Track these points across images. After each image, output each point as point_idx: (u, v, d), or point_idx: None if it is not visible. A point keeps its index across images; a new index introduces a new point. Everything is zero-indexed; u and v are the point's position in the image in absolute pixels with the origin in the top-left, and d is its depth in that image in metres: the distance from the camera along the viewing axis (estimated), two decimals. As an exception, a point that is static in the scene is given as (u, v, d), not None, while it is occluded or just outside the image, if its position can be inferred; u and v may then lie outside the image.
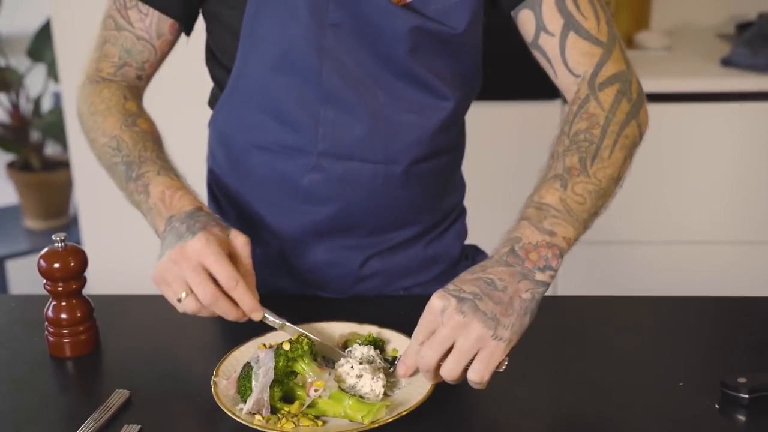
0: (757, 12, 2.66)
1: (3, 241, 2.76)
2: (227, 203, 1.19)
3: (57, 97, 2.87)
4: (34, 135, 2.85)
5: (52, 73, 2.80)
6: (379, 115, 1.07)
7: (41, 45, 2.79)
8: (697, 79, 2.26)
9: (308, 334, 0.95)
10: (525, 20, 1.07)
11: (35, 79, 2.87)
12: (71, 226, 2.89)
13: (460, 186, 1.26)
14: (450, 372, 0.86)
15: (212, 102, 1.19)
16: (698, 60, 2.41)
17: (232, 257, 0.96)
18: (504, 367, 0.87)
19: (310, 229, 1.14)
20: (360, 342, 0.97)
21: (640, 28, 2.63)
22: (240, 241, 0.97)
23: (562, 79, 1.07)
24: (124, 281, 1.85)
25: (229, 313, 0.95)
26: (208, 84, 1.21)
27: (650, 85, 2.20)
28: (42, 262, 1.03)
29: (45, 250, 1.04)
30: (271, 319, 0.97)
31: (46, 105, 2.92)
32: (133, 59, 1.14)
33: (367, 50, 1.05)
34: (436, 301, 0.87)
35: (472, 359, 0.86)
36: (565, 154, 0.97)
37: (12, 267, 2.77)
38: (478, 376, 0.86)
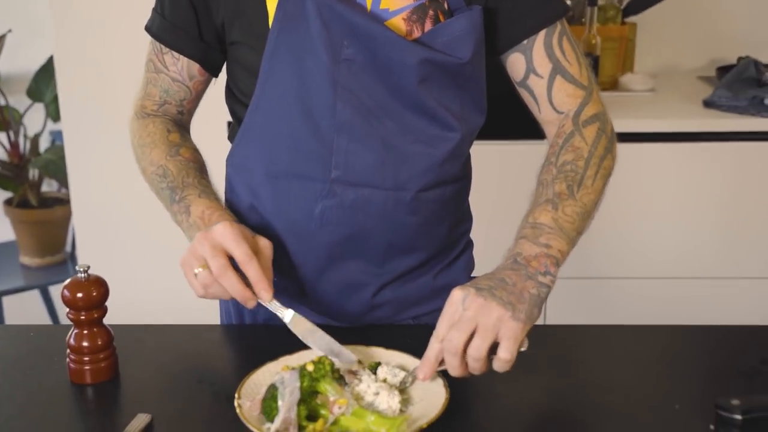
0: (736, 56, 2.75)
1: (-1, 278, 2.79)
2: None
3: (55, 136, 2.91)
4: (32, 173, 2.88)
5: (51, 113, 2.85)
6: (390, 145, 1.14)
7: (40, 85, 2.84)
8: (680, 119, 2.34)
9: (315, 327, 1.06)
10: (515, 62, 1.18)
11: (34, 118, 2.91)
12: (66, 263, 2.91)
13: (467, 217, 1.32)
14: (477, 350, 0.95)
15: (231, 137, 1.25)
16: (681, 102, 2.50)
17: (255, 254, 1.06)
18: (526, 347, 0.97)
19: (324, 254, 1.19)
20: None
21: (625, 70, 2.72)
22: (264, 241, 1.09)
23: (545, 114, 1.19)
24: (120, 314, 1.88)
25: (236, 289, 1.03)
26: (225, 121, 1.27)
27: (636, 125, 2.31)
28: (66, 292, 1.07)
29: (68, 280, 1.08)
30: (278, 306, 1.06)
31: (44, 144, 2.96)
32: (172, 98, 1.26)
33: (379, 83, 1.12)
34: (457, 293, 0.98)
35: (494, 348, 0.95)
36: (554, 182, 1.10)
37: (8, 302, 2.78)
38: (508, 352, 0.94)
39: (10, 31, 2.81)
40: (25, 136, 2.91)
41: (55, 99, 2.72)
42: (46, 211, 2.85)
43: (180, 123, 1.28)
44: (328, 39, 1.09)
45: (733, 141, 2.31)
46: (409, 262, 1.23)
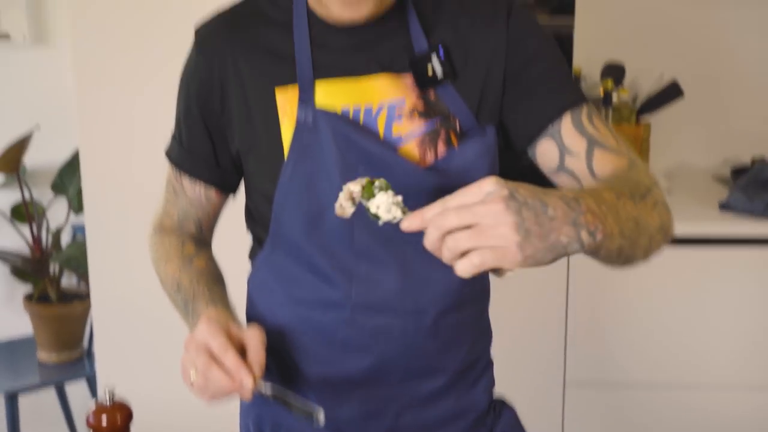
0: (750, 155, 2.79)
1: (15, 375, 2.77)
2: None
3: (77, 230, 2.95)
4: (52, 267, 2.91)
5: (74, 206, 2.89)
6: (409, 270, 1.15)
7: (65, 179, 2.89)
8: (697, 223, 2.35)
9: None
10: (545, 149, 1.14)
11: (56, 212, 2.95)
12: (83, 359, 2.91)
13: (486, 332, 1.32)
14: (456, 241, 0.85)
15: (252, 255, 1.28)
16: (697, 204, 2.51)
17: (245, 348, 1.05)
18: (504, 275, 0.87)
19: (345, 379, 1.20)
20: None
21: (640, 170, 2.74)
22: (251, 332, 1.07)
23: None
24: (139, 415, 1.89)
25: (224, 383, 1.01)
26: (245, 238, 1.30)
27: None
28: (91, 418, 1.09)
29: (93, 406, 1.10)
30: (265, 388, 1.06)
31: (66, 238, 2.99)
32: (190, 218, 1.29)
33: None
34: (490, 183, 0.86)
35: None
36: (612, 186, 0.99)
37: (23, 401, 2.77)
38: (481, 259, 0.84)
39: (38, 127, 2.88)
40: (48, 230, 2.94)
41: (79, 192, 2.77)
42: (65, 305, 2.86)
43: (198, 238, 1.31)
44: (344, 166, 1.11)
45: (750, 246, 2.32)
46: (429, 386, 1.23)
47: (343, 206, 0.97)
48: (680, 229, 2.29)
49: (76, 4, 2.26)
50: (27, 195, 2.89)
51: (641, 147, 2.74)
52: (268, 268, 1.21)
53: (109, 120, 2.35)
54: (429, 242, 0.88)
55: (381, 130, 1.13)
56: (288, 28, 1.15)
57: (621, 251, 0.94)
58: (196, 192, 1.27)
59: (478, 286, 1.23)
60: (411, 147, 1.14)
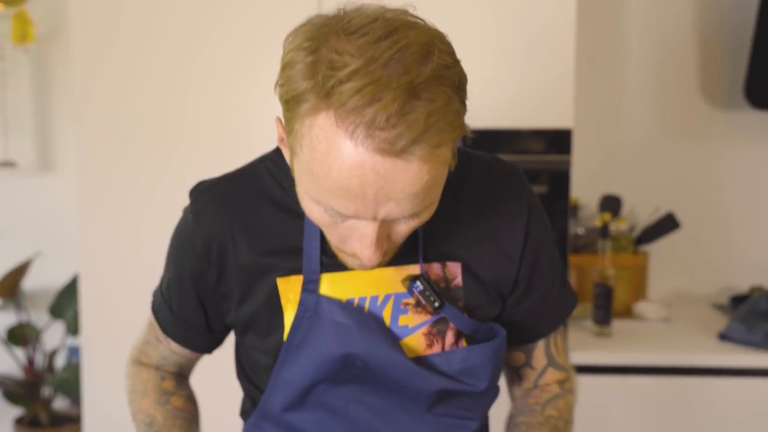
0: (748, 283, 2.79)
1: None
2: None
3: (72, 353, 2.93)
4: (45, 390, 2.88)
5: (71, 329, 2.89)
6: None
7: (63, 303, 2.89)
8: (696, 353, 2.33)
9: None
10: (515, 356, 1.24)
11: (52, 335, 2.95)
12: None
13: None
14: None
15: (243, 414, 1.24)
16: (696, 333, 2.50)
17: None
18: None
19: None
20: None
21: (638, 297, 2.74)
22: None
23: (523, 387, 1.25)
24: None
25: None
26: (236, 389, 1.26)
27: (651, 358, 2.30)
28: None
29: None
30: None
31: (60, 361, 2.97)
32: (170, 363, 1.25)
33: (393, 395, 1.11)
34: None
35: None
36: (541, 426, 1.19)
37: None
38: None
39: (38, 253, 2.90)
40: (43, 353, 2.93)
41: (76, 316, 2.77)
42: (56, 429, 2.82)
43: (178, 373, 1.27)
44: (342, 360, 1.08)
45: (749, 377, 2.29)
46: None
47: None
48: (679, 359, 2.32)
49: (82, 133, 2.33)
50: (23, 318, 2.89)
51: (640, 275, 2.74)
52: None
53: (109, 246, 2.38)
54: None
55: (387, 320, 1.09)
56: (295, 216, 1.08)
57: None
58: (182, 350, 1.22)
59: None
60: (417, 336, 1.10)
